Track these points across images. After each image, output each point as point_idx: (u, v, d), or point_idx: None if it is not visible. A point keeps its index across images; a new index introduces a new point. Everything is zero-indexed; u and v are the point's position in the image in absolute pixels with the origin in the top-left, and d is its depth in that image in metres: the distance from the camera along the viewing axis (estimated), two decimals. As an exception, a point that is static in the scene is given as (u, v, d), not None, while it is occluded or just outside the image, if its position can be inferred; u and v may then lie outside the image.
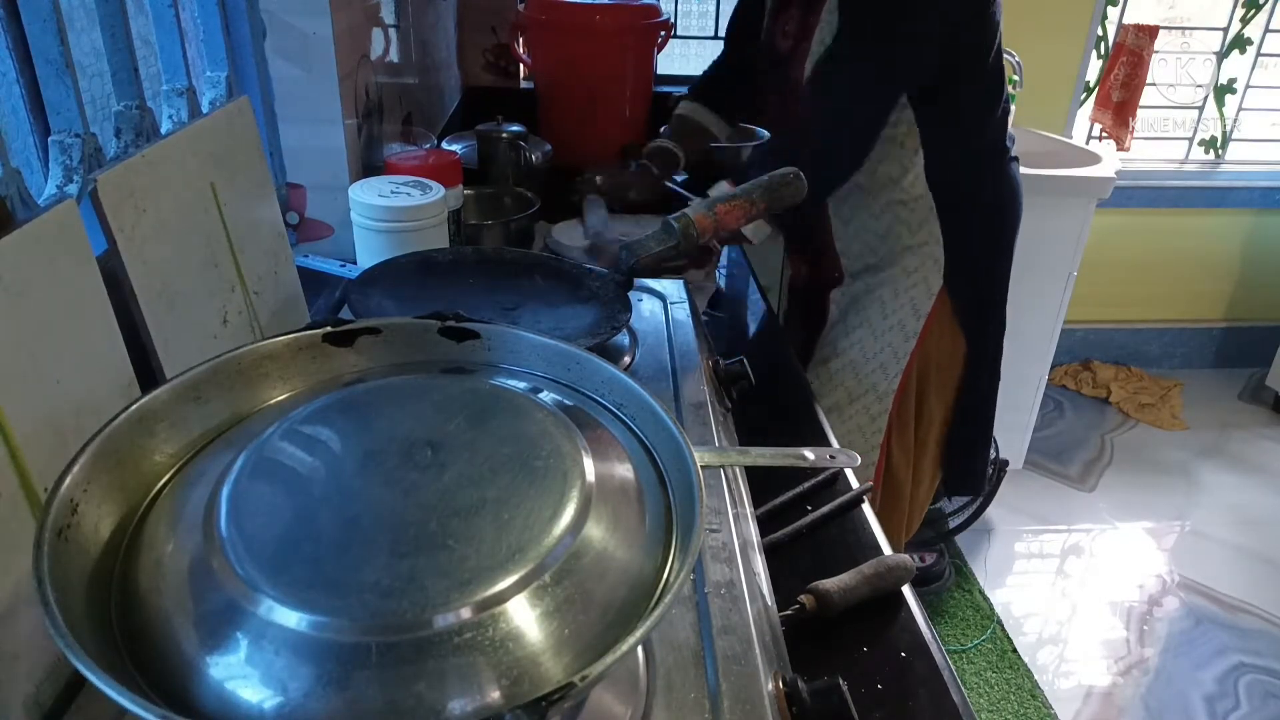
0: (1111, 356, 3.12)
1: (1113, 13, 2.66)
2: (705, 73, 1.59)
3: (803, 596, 0.67)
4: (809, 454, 0.54)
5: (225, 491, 0.42)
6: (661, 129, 1.62)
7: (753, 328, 1.29)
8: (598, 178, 1.49)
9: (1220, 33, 2.78)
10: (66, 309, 0.52)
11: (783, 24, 1.33)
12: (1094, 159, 2.25)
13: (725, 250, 1.48)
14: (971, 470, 1.57)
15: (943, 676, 0.63)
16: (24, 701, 0.46)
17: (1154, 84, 2.75)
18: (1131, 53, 2.62)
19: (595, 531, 0.42)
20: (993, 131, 1.35)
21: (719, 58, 1.58)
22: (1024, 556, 2.28)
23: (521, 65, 2.12)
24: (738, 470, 0.74)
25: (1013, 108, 2.12)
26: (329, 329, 0.56)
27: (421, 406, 0.50)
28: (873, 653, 0.65)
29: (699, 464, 0.45)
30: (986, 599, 2.11)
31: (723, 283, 1.39)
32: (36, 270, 0.50)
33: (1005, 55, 2.11)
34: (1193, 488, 2.56)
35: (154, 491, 0.46)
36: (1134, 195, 2.80)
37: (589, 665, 0.35)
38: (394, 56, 1.39)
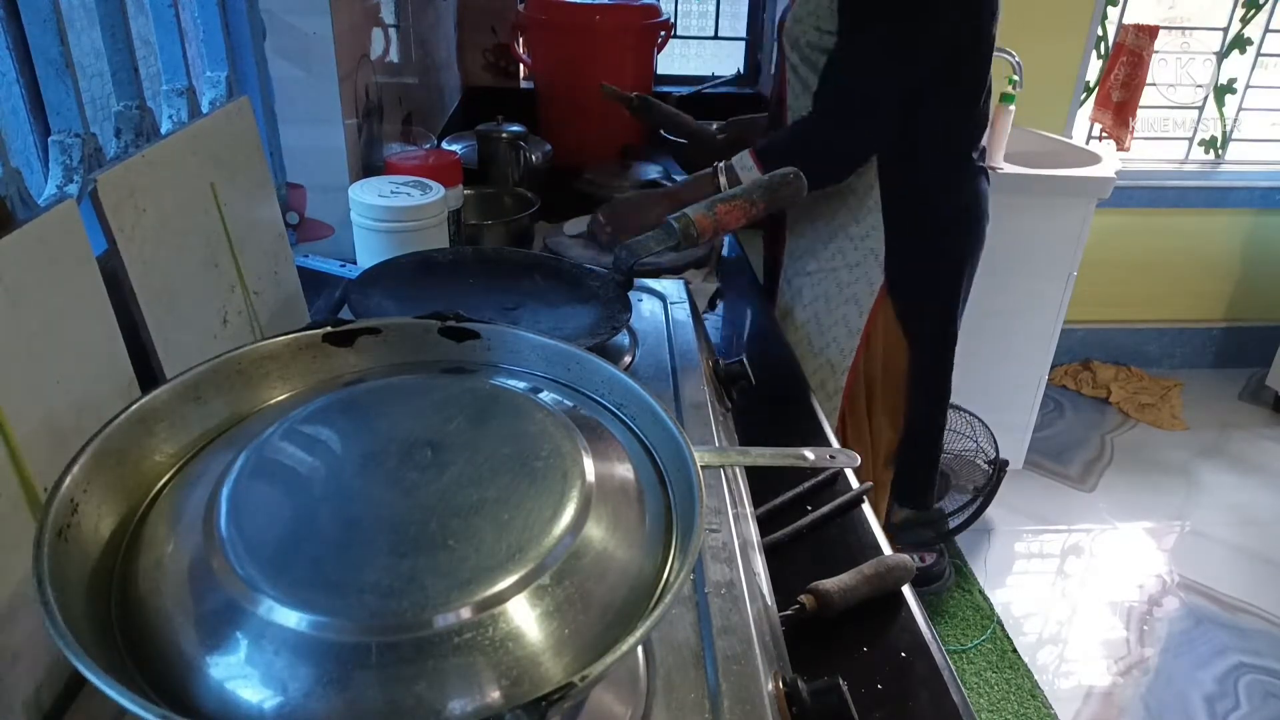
0: (1111, 356, 3.12)
1: (1113, 13, 2.66)
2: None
3: (803, 596, 0.67)
4: (809, 454, 0.54)
5: (225, 491, 0.42)
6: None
7: (753, 328, 1.29)
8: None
9: (1220, 33, 2.78)
10: (66, 309, 0.52)
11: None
12: (1094, 159, 2.25)
13: (725, 250, 1.48)
14: (914, 488, 1.53)
15: (943, 676, 0.63)
16: (24, 701, 0.46)
17: (1154, 84, 2.75)
18: (1131, 53, 2.62)
19: (595, 531, 0.42)
20: (960, 141, 1.32)
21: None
22: (1024, 556, 2.28)
23: (521, 65, 2.12)
24: (738, 470, 0.74)
25: (1006, 117, 2.13)
26: (329, 329, 0.56)
27: (421, 406, 0.50)
28: (873, 653, 0.65)
29: (699, 464, 0.45)
30: (986, 599, 2.11)
31: (723, 283, 1.39)
32: (36, 270, 0.50)
33: (1005, 55, 2.12)
34: (1193, 488, 2.56)
35: (154, 491, 0.46)
36: (1134, 195, 2.80)
37: (589, 665, 0.35)
38: (394, 56, 1.39)
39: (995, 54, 2.21)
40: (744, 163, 1.23)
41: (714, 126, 1.66)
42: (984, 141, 1.37)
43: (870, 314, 1.35)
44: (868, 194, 1.31)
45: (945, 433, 1.58)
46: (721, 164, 1.25)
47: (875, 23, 1.20)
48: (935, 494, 1.62)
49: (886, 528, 1.56)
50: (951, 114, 1.29)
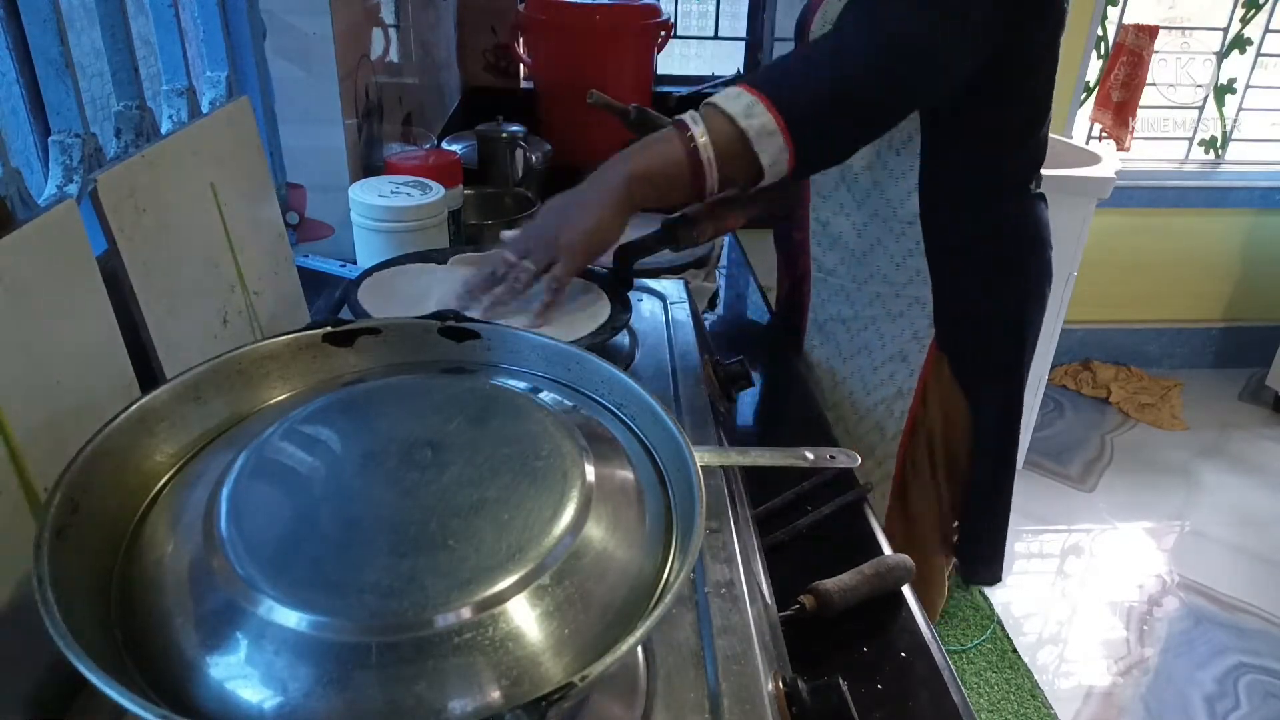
0: (1111, 356, 3.12)
1: (1113, 13, 2.66)
2: None
3: (803, 596, 0.67)
4: (809, 454, 0.54)
5: (225, 491, 0.42)
6: None
7: (753, 328, 1.29)
8: None
9: (1220, 33, 2.78)
10: (66, 309, 0.52)
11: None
12: (1094, 159, 2.25)
13: (725, 250, 1.48)
14: (980, 558, 1.29)
15: (943, 676, 0.63)
16: (24, 701, 0.46)
17: (1154, 84, 2.75)
18: (1131, 53, 2.62)
19: (595, 531, 0.42)
20: (1017, 163, 1.10)
21: None
22: (1024, 556, 2.28)
23: (521, 65, 2.12)
24: (738, 470, 0.74)
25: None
26: (329, 329, 0.56)
27: (421, 406, 0.50)
28: (873, 653, 0.65)
29: (699, 464, 0.45)
30: (986, 599, 2.11)
31: (723, 283, 1.39)
32: (36, 270, 0.50)
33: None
34: (1193, 488, 2.56)
35: (154, 491, 0.46)
36: (1134, 195, 2.80)
37: (589, 665, 0.35)
38: (394, 56, 1.39)
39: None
40: (746, 106, 0.82)
41: None
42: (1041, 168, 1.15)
43: (922, 373, 1.13)
44: (906, 232, 1.08)
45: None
46: (688, 114, 0.85)
47: None
48: (1003, 565, 1.33)
49: (938, 590, 1.39)
50: (1005, 141, 1.07)
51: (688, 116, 0.84)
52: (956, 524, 1.25)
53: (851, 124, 0.88)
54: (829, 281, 1.17)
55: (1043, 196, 1.17)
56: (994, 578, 1.33)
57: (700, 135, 0.82)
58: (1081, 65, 2.65)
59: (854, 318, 1.16)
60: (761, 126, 0.80)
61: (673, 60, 2.41)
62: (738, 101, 0.82)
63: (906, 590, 0.71)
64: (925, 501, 1.22)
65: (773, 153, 0.81)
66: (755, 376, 0.88)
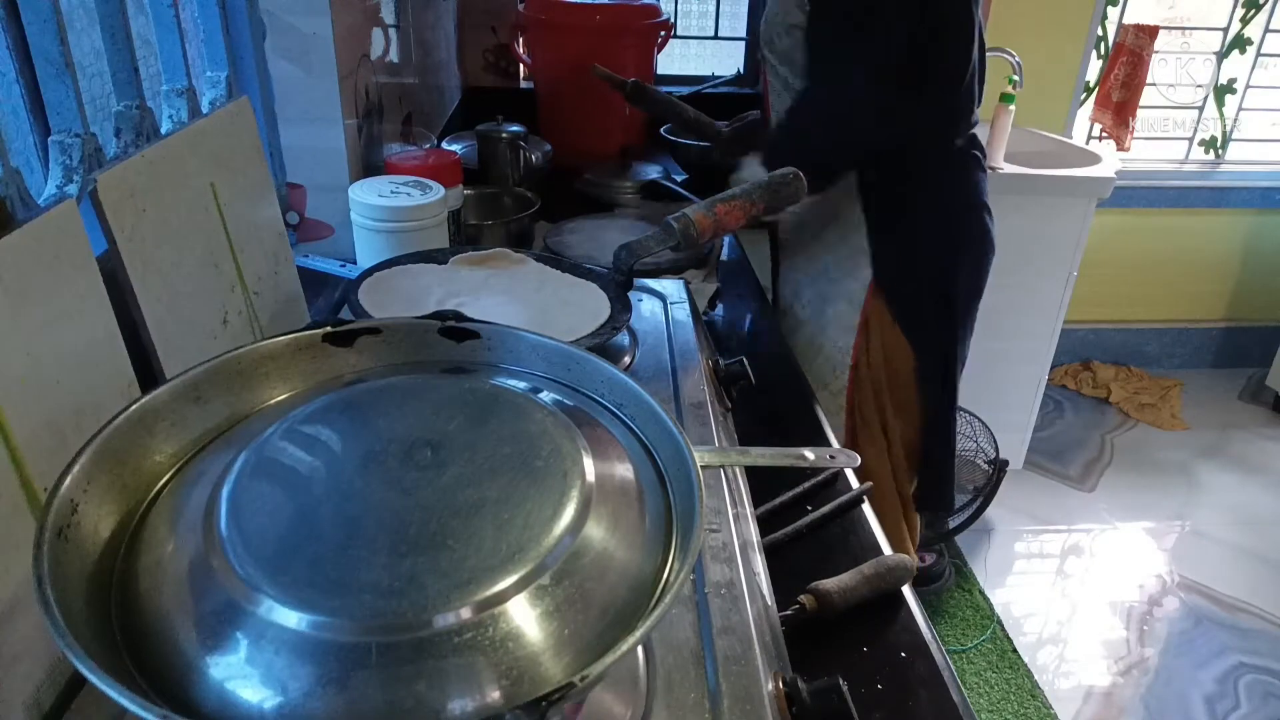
0: (1111, 356, 3.12)
1: (1113, 13, 2.66)
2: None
3: (803, 596, 0.67)
4: (809, 454, 0.54)
5: (225, 491, 0.42)
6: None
7: (753, 328, 1.29)
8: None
9: (1220, 33, 2.78)
10: (66, 309, 0.52)
11: None
12: (1094, 159, 2.25)
13: (725, 250, 1.48)
14: (939, 489, 1.48)
15: (943, 676, 0.63)
16: (24, 702, 0.46)
17: (1154, 84, 2.75)
18: (1131, 53, 2.62)
19: (595, 531, 0.42)
20: (941, 128, 1.27)
21: None
22: (1024, 556, 2.28)
23: (521, 65, 2.12)
24: (738, 470, 0.74)
25: (1006, 117, 2.12)
26: (329, 329, 0.56)
27: (421, 406, 0.50)
28: (873, 653, 0.65)
29: (699, 464, 0.45)
30: (986, 599, 2.11)
31: (723, 283, 1.39)
32: (36, 270, 0.50)
33: (1005, 55, 2.12)
34: (1193, 488, 2.56)
35: (154, 491, 0.46)
36: (1134, 195, 2.80)
37: (589, 665, 0.35)
38: (394, 56, 1.39)
39: (995, 54, 2.21)
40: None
41: (723, 125, 1.65)
42: (975, 129, 1.32)
43: (863, 312, 1.32)
44: (847, 186, 1.27)
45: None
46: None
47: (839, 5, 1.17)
48: (953, 495, 1.54)
49: (910, 523, 1.53)
50: (928, 99, 1.23)
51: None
52: (905, 455, 1.42)
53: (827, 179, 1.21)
54: (791, 242, 1.38)
55: (978, 159, 1.31)
56: (947, 505, 1.54)
57: None
58: (1081, 65, 2.65)
59: (809, 262, 1.36)
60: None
61: (673, 60, 2.41)
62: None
63: (907, 590, 0.71)
64: (870, 431, 1.39)
65: None
66: (755, 376, 0.88)
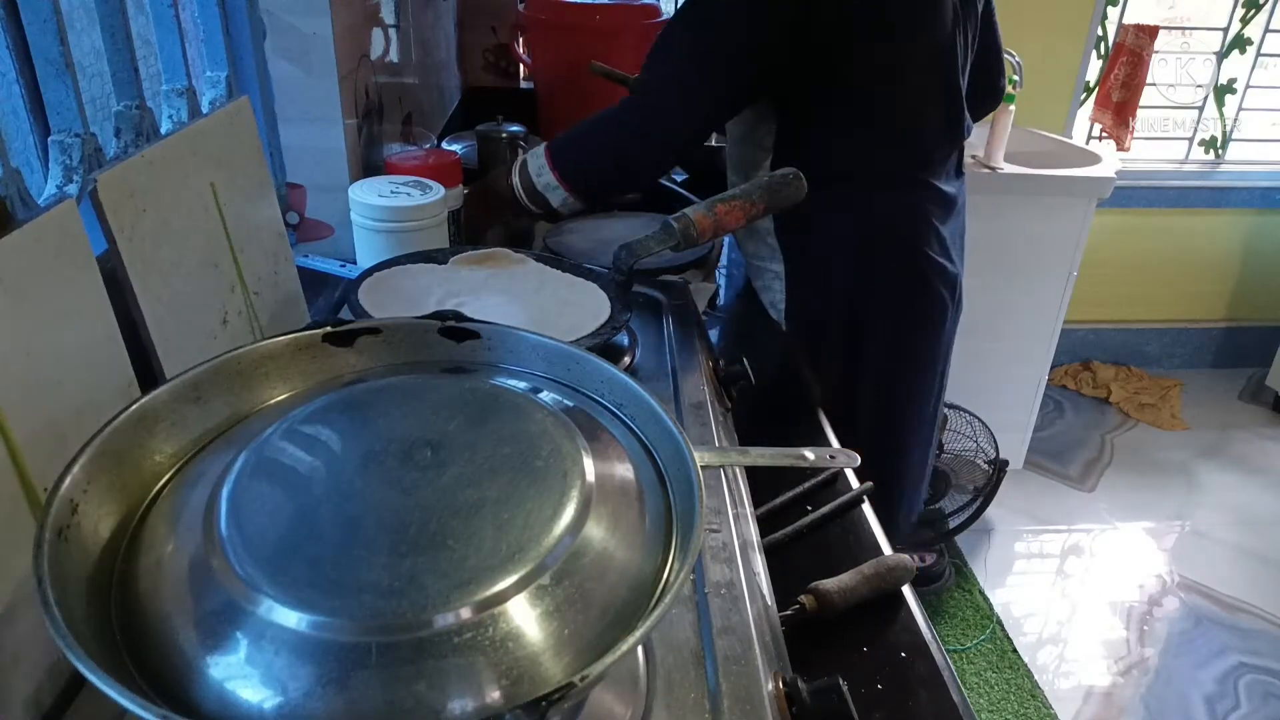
0: (1111, 356, 3.12)
1: (1113, 13, 2.66)
2: None
3: (803, 596, 0.67)
4: (809, 454, 0.54)
5: (225, 491, 0.42)
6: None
7: (753, 327, 1.29)
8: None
9: (1220, 33, 2.78)
10: (66, 309, 0.52)
11: None
12: (1094, 159, 2.25)
13: (725, 250, 1.48)
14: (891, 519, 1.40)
15: (943, 676, 0.63)
16: (24, 701, 0.46)
17: (1154, 84, 2.75)
18: (1131, 53, 2.62)
19: (595, 531, 0.42)
20: (851, 158, 1.19)
21: None
22: (1024, 556, 2.28)
23: (521, 65, 2.12)
24: (738, 470, 0.74)
25: (1006, 117, 2.12)
26: (329, 329, 0.56)
27: (421, 406, 0.50)
28: (873, 653, 0.65)
29: (699, 464, 0.45)
30: (986, 599, 2.11)
31: (723, 283, 1.39)
32: (36, 270, 0.50)
33: (1005, 55, 2.12)
34: (1193, 488, 2.56)
35: (154, 491, 0.46)
36: (1134, 195, 2.80)
37: (589, 665, 0.35)
38: (394, 56, 1.39)
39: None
40: (538, 166, 1.15)
41: None
42: (933, 176, 1.24)
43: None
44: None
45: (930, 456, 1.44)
46: (518, 161, 1.18)
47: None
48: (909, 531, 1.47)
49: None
50: (843, 132, 1.18)
51: (521, 162, 1.18)
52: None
53: (617, 177, 1.21)
54: (738, 255, 1.37)
55: (924, 192, 1.24)
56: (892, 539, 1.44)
57: (516, 179, 1.18)
58: (1081, 65, 2.65)
59: (746, 287, 1.34)
60: (547, 183, 1.16)
61: (673, 60, 2.40)
62: (535, 161, 1.16)
63: (907, 590, 0.71)
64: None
65: (560, 197, 1.16)
66: (755, 376, 0.88)
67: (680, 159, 1.22)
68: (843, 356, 1.26)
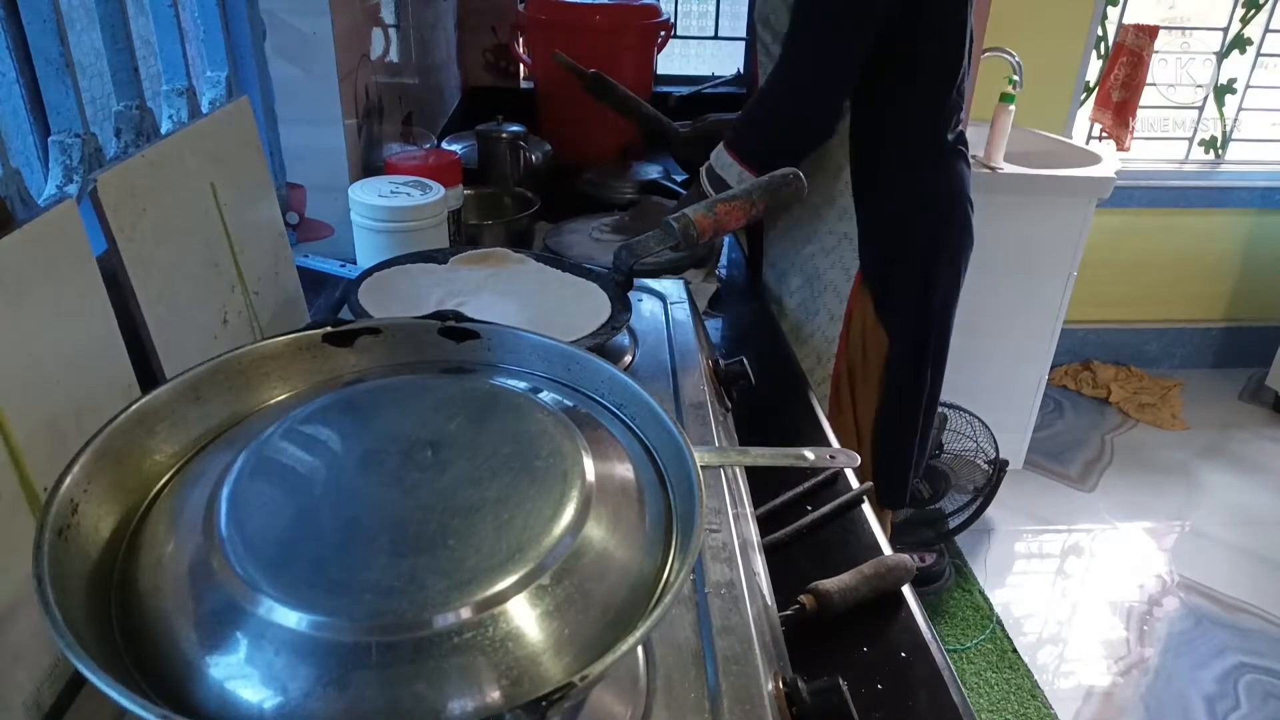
0: (1111, 356, 3.12)
1: (1113, 13, 2.66)
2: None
3: (803, 596, 0.67)
4: (809, 454, 0.54)
5: (225, 491, 0.42)
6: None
7: (752, 328, 1.29)
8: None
9: (1220, 33, 2.78)
10: (66, 309, 0.52)
11: None
12: (1094, 159, 2.25)
13: (725, 250, 1.48)
14: (890, 483, 1.46)
15: (943, 676, 0.63)
16: (24, 701, 0.46)
17: (1154, 84, 2.75)
18: (1131, 53, 2.62)
19: (595, 531, 0.42)
20: (929, 123, 1.27)
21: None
22: (1024, 556, 2.28)
23: (521, 65, 2.12)
24: (738, 470, 0.74)
25: (1006, 117, 2.12)
26: (329, 329, 0.56)
27: (421, 406, 0.50)
28: (873, 653, 0.65)
29: (699, 464, 0.45)
30: (986, 599, 2.11)
31: (722, 283, 1.39)
32: (36, 270, 0.50)
33: (1005, 55, 2.12)
34: (1193, 488, 2.56)
35: (154, 491, 0.46)
36: (1134, 195, 2.80)
37: (589, 665, 0.35)
38: (394, 56, 1.39)
39: (995, 54, 2.21)
40: (721, 160, 1.21)
41: (684, 125, 1.65)
42: (964, 126, 1.33)
43: (849, 301, 1.32)
44: (838, 175, 1.28)
45: (931, 435, 1.52)
46: (702, 168, 1.24)
47: None
48: (908, 496, 1.51)
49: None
50: (920, 94, 1.25)
51: (701, 171, 1.25)
52: (872, 443, 1.43)
53: (796, 148, 1.23)
54: (777, 230, 1.39)
55: (962, 155, 1.34)
56: (897, 502, 1.50)
57: (704, 179, 1.23)
58: (1081, 65, 2.65)
59: (798, 256, 1.36)
60: (725, 164, 1.21)
61: (673, 60, 2.40)
62: (720, 159, 1.22)
63: (907, 590, 0.71)
64: (845, 428, 1.40)
65: (735, 173, 1.20)
66: (755, 376, 0.88)
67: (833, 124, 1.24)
68: (914, 312, 1.34)
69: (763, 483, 0.81)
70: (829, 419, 1.38)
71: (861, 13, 1.15)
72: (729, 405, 0.87)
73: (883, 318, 1.33)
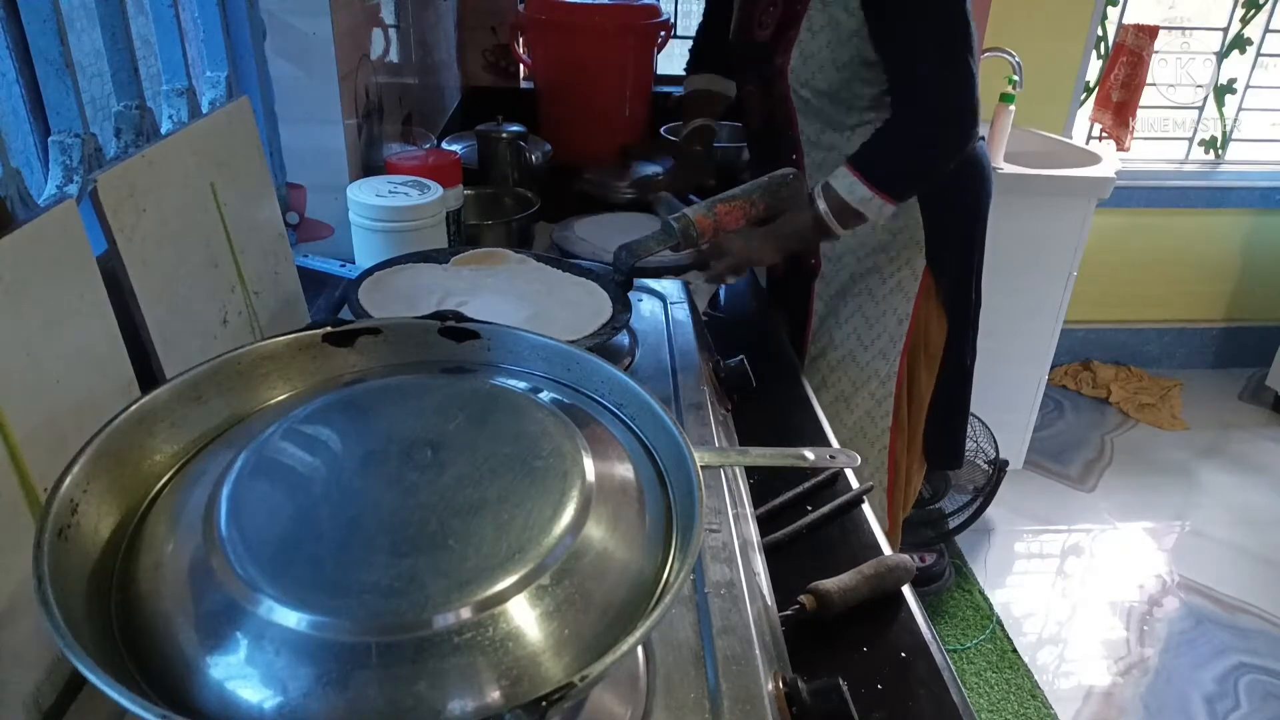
0: (1111, 356, 3.12)
1: (1113, 13, 2.66)
2: (696, 42, 1.55)
3: (803, 596, 0.67)
4: (809, 454, 0.54)
5: (225, 491, 0.42)
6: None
7: (753, 328, 1.29)
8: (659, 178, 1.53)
9: (1220, 33, 2.78)
10: (66, 309, 0.52)
11: (759, 14, 1.30)
12: (1094, 159, 2.25)
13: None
14: (951, 446, 1.58)
15: (943, 676, 0.63)
16: (24, 701, 0.46)
17: (1154, 84, 2.75)
18: (1131, 53, 2.62)
19: (595, 531, 0.42)
20: (967, 88, 1.26)
21: (703, 24, 1.55)
22: (1024, 556, 2.28)
23: (521, 65, 2.12)
24: (738, 470, 0.74)
25: (1006, 117, 2.12)
26: (329, 329, 0.56)
27: (421, 406, 0.50)
28: (873, 653, 0.65)
29: (699, 464, 0.45)
30: (986, 599, 2.11)
31: (723, 283, 1.39)
32: (36, 270, 0.50)
33: (1005, 55, 2.12)
34: (1193, 488, 2.56)
35: (154, 491, 0.46)
36: (1134, 195, 2.80)
37: (589, 665, 0.35)
38: (394, 56, 1.39)
39: (995, 54, 2.21)
40: (849, 185, 1.15)
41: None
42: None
43: (917, 300, 1.37)
44: None
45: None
46: (817, 187, 1.18)
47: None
48: (962, 456, 1.64)
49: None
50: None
51: (818, 191, 1.18)
52: (929, 415, 1.50)
53: (928, 176, 1.23)
54: (834, 248, 1.39)
55: (980, 135, 1.35)
56: (956, 463, 1.65)
57: (821, 205, 1.16)
58: (1081, 65, 2.65)
59: (862, 271, 1.38)
60: (863, 197, 1.14)
61: (673, 60, 2.40)
62: (842, 182, 1.15)
63: (907, 590, 0.71)
64: (919, 409, 1.46)
65: (875, 208, 1.15)
66: (755, 376, 0.88)
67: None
68: (960, 277, 1.40)
69: (763, 483, 0.81)
70: (894, 413, 1.45)
71: (965, 12, 1.15)
72: (729, 405, 0.87)
73: (943, 299, 1.38)
